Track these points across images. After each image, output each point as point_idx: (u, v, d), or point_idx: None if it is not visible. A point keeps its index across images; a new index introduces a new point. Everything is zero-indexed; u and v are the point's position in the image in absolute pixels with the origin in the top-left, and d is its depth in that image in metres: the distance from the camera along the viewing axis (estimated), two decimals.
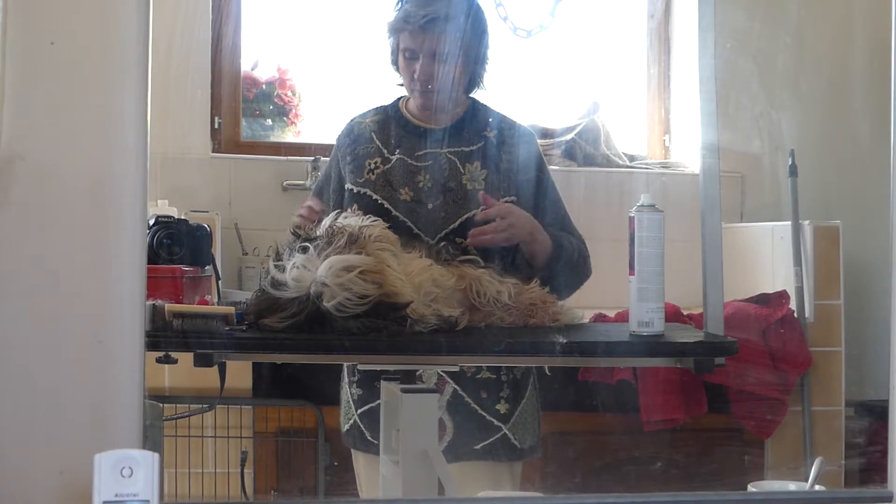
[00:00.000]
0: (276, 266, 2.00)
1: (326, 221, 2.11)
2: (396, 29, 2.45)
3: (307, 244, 2.01)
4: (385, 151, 2.47)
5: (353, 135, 2.51)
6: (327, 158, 2.62)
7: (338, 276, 1.93)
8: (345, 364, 2.52)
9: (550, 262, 2.37)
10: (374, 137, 2.49)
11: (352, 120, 2.56)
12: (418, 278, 2.06)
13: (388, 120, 2.52)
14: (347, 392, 2.52)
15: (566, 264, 2.39)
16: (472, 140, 2.48)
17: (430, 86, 2.43)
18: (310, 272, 1.95)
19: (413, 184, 2.43)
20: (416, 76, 2.43)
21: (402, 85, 2.52)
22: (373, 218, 2.20)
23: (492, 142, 2.48)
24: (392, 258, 2.03)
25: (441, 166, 2.44)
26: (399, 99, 2.56)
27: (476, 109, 2.52)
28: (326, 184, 2.54)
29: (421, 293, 2.04)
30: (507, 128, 2.51)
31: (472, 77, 2.49)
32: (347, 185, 2.45)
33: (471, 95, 2.52)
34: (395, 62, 2.50)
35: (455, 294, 2.15)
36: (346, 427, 2.53)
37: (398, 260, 2.06)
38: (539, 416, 2.53)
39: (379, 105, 2.57)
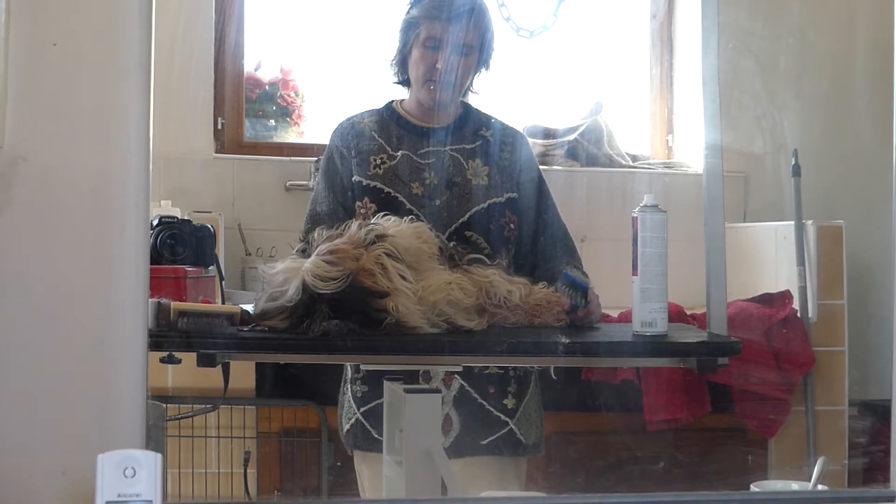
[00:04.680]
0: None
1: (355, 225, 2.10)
2: (426, 17, 2.42)
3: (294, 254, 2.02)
4: (388, 149, 2.47)
5: (354, 131, 2.50)
6: None
7: (316, 265, 1.93)
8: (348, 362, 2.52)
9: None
10: (376, 136, 2.49)
11: (348, 119, 2.54)
12: (433, 297, 2.02)
13: (386, 120, 2.51)
14: (349, 390, 2.51)
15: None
16: (471, 138, 2.50)
17: (448, 78, 2.43)
18: (297, 264, 1.95)
19: (420, 180, 2.43)
20: (436, 65, 2.42)
21: (399, 83, 2.52)
22: (410, 218, 2.17)
23: (489, 140, 2.50)
24: (392, 263, 1.99)
25: (445, 163, 2.45)
26: (391, 102, 2.55)
27: (470, 111, 2.54)
28: (332, 184, 2.47)
29: (434, 313, 2.01)
30: (501, 128, 2.54)
31: (472, 79, 2.51)
32: (355, 178, 2.44)
33: (463, 99, 2.53)
34: (404, 55, 2.48)
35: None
36: (347, 427, 2.51)
37: (403, 265, 2.01)
38: (541, 412, 2.53)
39: (370, 108, 2.56)
